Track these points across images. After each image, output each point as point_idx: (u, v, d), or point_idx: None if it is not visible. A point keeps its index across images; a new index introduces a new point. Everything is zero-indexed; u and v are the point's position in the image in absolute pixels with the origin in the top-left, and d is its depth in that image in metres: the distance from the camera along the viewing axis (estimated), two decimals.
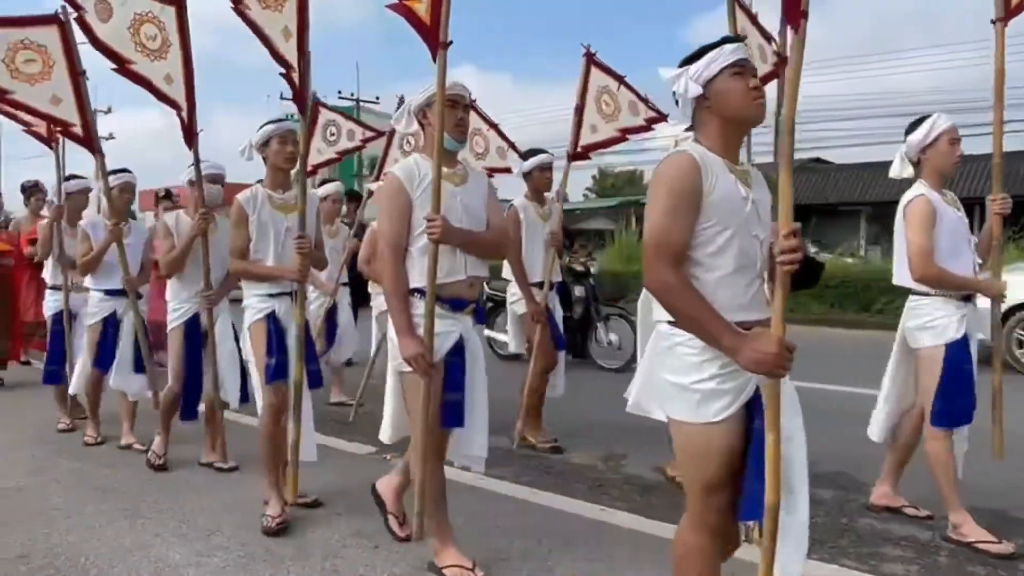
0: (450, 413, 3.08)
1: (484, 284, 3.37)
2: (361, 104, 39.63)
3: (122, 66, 4.20)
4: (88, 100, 4.62)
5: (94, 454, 5.03)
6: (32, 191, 7.73)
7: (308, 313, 5.40)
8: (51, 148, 5.59)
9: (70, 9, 4.30)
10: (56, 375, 5.70)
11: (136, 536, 3.59)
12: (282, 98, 38.62)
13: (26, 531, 3.64)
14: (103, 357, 5.11)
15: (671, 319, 2.19)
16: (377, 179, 6.29)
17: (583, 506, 4.00)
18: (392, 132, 6.10)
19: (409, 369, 2.97)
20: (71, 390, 5.48)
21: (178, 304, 4.56)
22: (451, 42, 3.08)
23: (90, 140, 4.65)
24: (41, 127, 5.39)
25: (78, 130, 4.59)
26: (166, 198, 7.31)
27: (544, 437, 5.16)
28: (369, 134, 6.63)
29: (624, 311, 8.89)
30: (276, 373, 3.76)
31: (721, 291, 2.15)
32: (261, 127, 3.88)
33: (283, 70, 3.85)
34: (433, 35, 3.10)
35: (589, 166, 40.89)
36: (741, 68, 2.21)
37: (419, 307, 3.00)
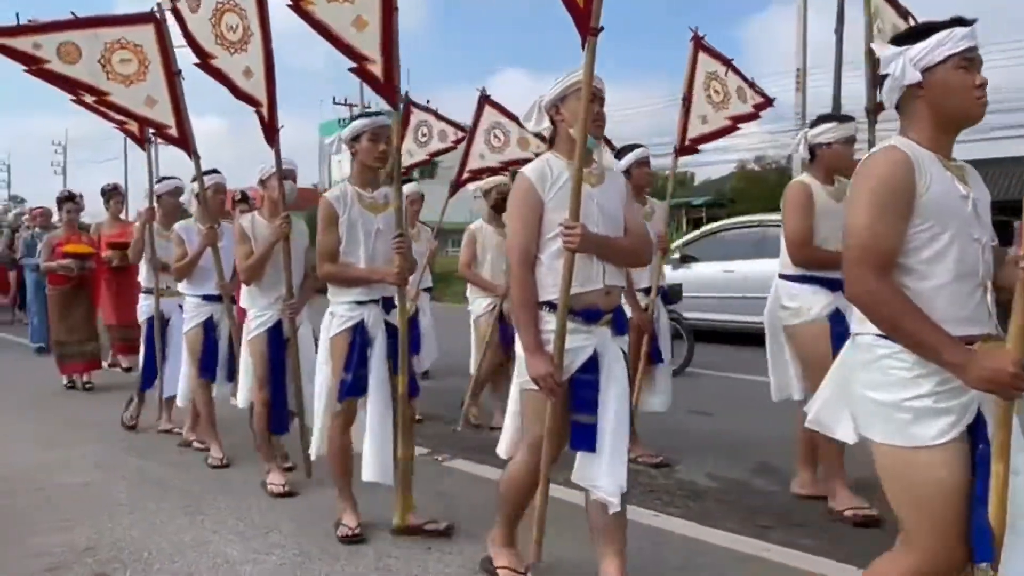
0: (580, 436, 2.78)
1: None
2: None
3: (204, 60, 4.09)
4: (183, 101, 4.49)
5: (157, 452, 5.16)
6: (111, 194, 7.78)
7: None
8: (143, 149, 5.52)
9: (165, 4, 4.29)
10: (151, 380, 5.66)
11: (196, 532, 3.68)
12: (335, 102, 39.56)
13: (92, 525, 3.76)
14: (207, 364, 4.91)
15: (877, 331, 1.96)
16: (459, 180, 6.13)
17: (635, 511, 3.93)
18: (473, 130, 6.01)
19: (535, 388, 2.75)
20: (179, 400, 5.27)
21: (259, 312, 4.33)
22: (602, 28, 2.78)
23: (185, 142, 4.51)
24: (133, 125, 5.28)
25: (173, 132, 4.46)
26: (243, 201, 7.08)
27: (643, 451, 4.91)
28: (461, 134, 6.35)
29: (677, 315, 8.79)
30: (352, 390, 3.55)
31: (938, 301, 1.92)
32: (352, 121, 3.69)
33: (354, 64, 3.51)
34: (585, 20, 2.78)
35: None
36: (970, 60, 1.96)
37: (550, 322, 2.75)
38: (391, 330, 3.62)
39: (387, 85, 3.52)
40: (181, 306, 5.22)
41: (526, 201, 2.80)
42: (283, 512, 3.94)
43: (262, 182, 4.35)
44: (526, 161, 5.65)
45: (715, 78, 4.95)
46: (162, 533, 3.67)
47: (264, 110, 4.17)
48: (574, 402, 2.79)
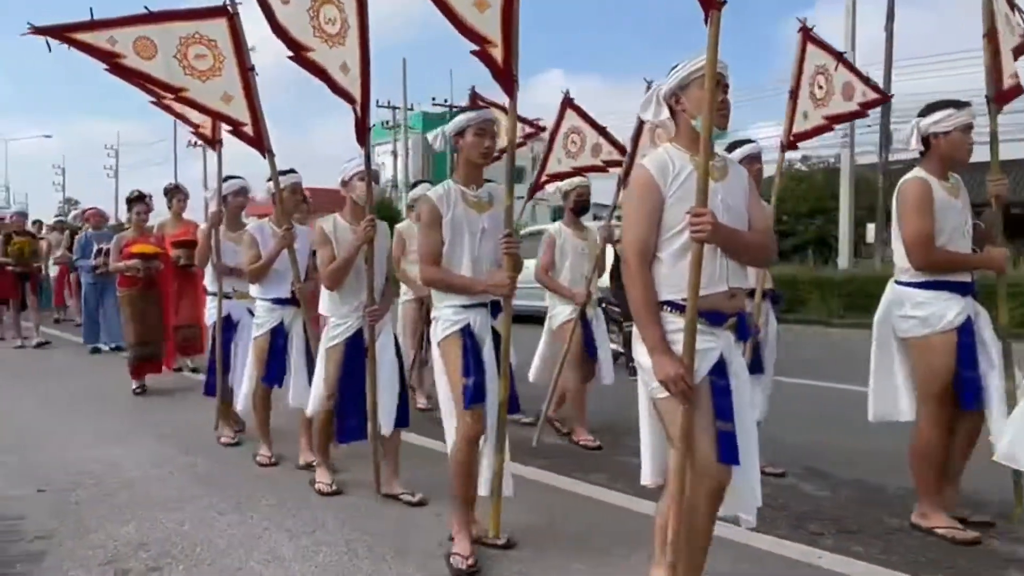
0: (726, 446, 2.53)
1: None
2: (454, 111, 40.16)
3: (298, 53, 3.91)
4: (258, 97, 4.38)
5: (206, 449, 5.26)
6: (173, 193, 7.77)
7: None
8: (213, 150, 5.38)
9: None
10: (215, 386, 5.49)
11: (246, 529, 3.74)
12: (378, 105, 39.98)
13: (146, 520, 3.85)
14: (272, 371, 4.74)
15: None
16: (538, 183, 5.93)
17: None
18: (554, 132, 5.74)
19: (665, 394, 2.55)
20: (237, 407, 5.11)
21: (339, 319, 4.12)
22: (725, 1, 2.52)
23: (260, 140, 4.37)
24: (206, 127, 5.24)
25: (248, 130, 4.33)
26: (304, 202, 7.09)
27: None
28: (530, 129, 6.23)
29: None
30: (475, 396, 3.28)
31: None
32: (457, 114, 3.51)
33: (476, 47, 3.32)
34: None
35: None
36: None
37: (671, 323, 2.57)
38: (497, 336, 3.44)
39: (505, 72, 3.31)
40: (251, 310, 5.11)
41: (646, 194, 2.61)
42: (330, 510, 3.98)
43: (344, 183, 4.15)
44: (594, 168, 5.60)
45: (823, 72, 4.72)
46: (212, 529, 3.74)
47: (358, 107, 4.01)
48: (714, 408, 2.56)
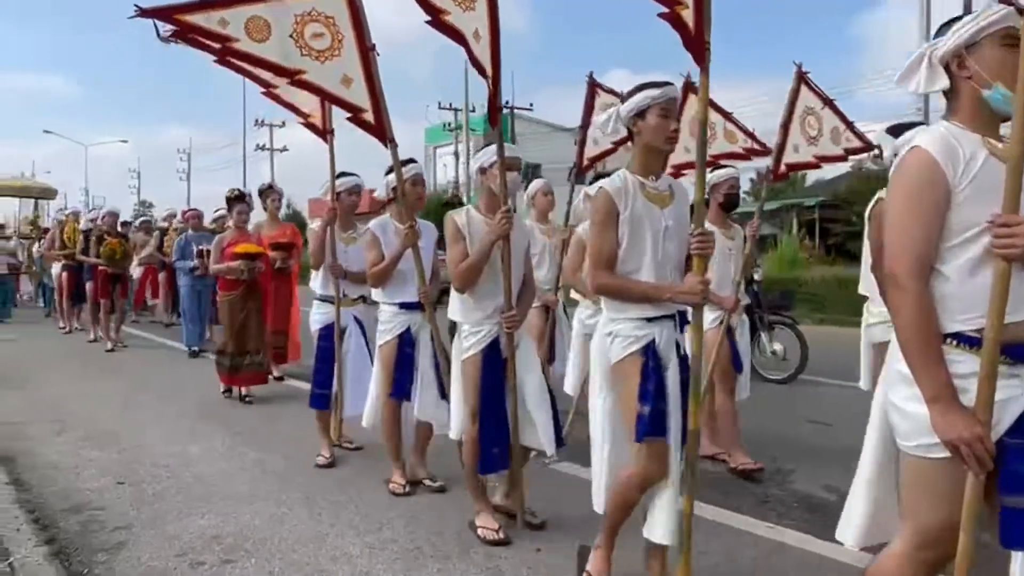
0: (1016, 527, 1.96)
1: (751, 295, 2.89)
2: (515, 111, 40.37)
3: (436, 17, 3.53)
4: (379, 80, 3.93)
5: (275, 447, 5.38)
6: (268, 192, 7.54)
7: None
8: (325, 141, 4.93)
9: None
10: (323, 399, 5.01)
11: (314, 525, 3.82)
12: (440, 107, 40.38)
13: (218, 514, 3.97)
14: (400, 383, 4.25)
15: None
16: (676, 173, 5.19)
17: (748, 521, 3.87)
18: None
19: (942, 454, 1.90)
20: (364, 422, 4.53)
21: (473, 327, 3.59)
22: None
23: (382, 128, 3.93)
24: (316, 117, 4.85)
25: (369, 116, 3.89)
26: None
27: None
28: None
29: (790, 320, 8.51)
30: (653, 426, 2.76)
31: None
32: (635, 92, 2.95)
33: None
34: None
35: (746, 168, 39.40)
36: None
37: (960, 362, 1.93)
38: (684, 354, 2.95)
39: (696, 38, 2.78)
40: (356, 317, 4.99)
41: (928, 188, 1.94)
42: (396, 509, 4.04)
43: (482, 170, 3.68)
44: (732, 156, 5.21)
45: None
46: (282, 524, 3.83)
47: (490, 83, 3.62)
48: (1004, 480, 1.93)
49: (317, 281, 5.10)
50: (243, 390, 6.99)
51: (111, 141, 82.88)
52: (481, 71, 3.61)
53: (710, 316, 4.82)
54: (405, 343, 4.25)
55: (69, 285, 12.07)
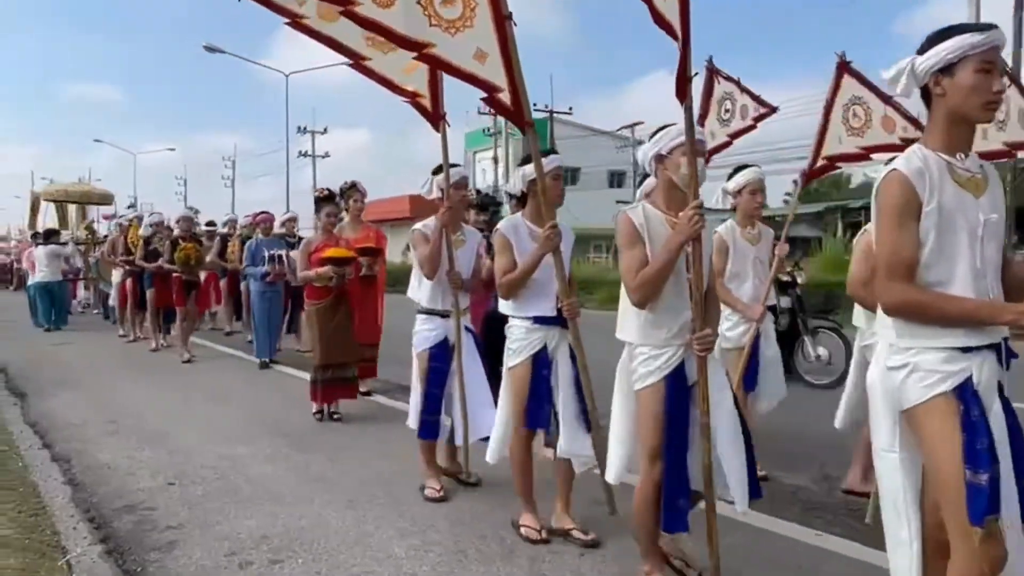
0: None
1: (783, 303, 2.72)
2: (554, 115, 40.40)
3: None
4: (516, 55, 3.33)
5: (318, 448, 5.46)
6: (350, 192, 7.00)
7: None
8: (436, 129, 4.31)
9: None
10: (434, 427, 4.35)
11: (359, 527, 3.87)
12: (480, 112, 40.57)
13: (265, 515, 4.04)
14: (535, 410, 3.62)
15: None
16: (811, 170, 4.91)
17: (795, 528, 3.82)
18: (829, 105, 4.80)
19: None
20: (489, 456, 3.83)
21: (654, 349, 2.93)
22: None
23: (520, 111, 3.36)
24: (425, 98, 4.22)
25: (505, 96, 3.33)
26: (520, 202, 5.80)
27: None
28: (763, 110, 5.23)
29: (834, 323, 8.37)
30: (993, 501, 2.06)
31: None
32: (941, 38, 2.20)
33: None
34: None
35: (790, 170, 38.96)
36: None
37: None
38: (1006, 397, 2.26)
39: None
40: (469, 328, 4.43)
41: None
42: (439, 512, 4.07)
43: (660, 157, 2.99)
44: (891, 147, 4.64)
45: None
46: (328, 525, 3.88)
47: (679, 44, 2.81)
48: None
49: (423, 291, 4.38)
50: (330, 407, 6.41)
51: (159, 149, 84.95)
52: (671, 32, 2.82)
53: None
54: (540, 364, 3.63)
55: (133, 292, 11.79)
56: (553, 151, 3.75)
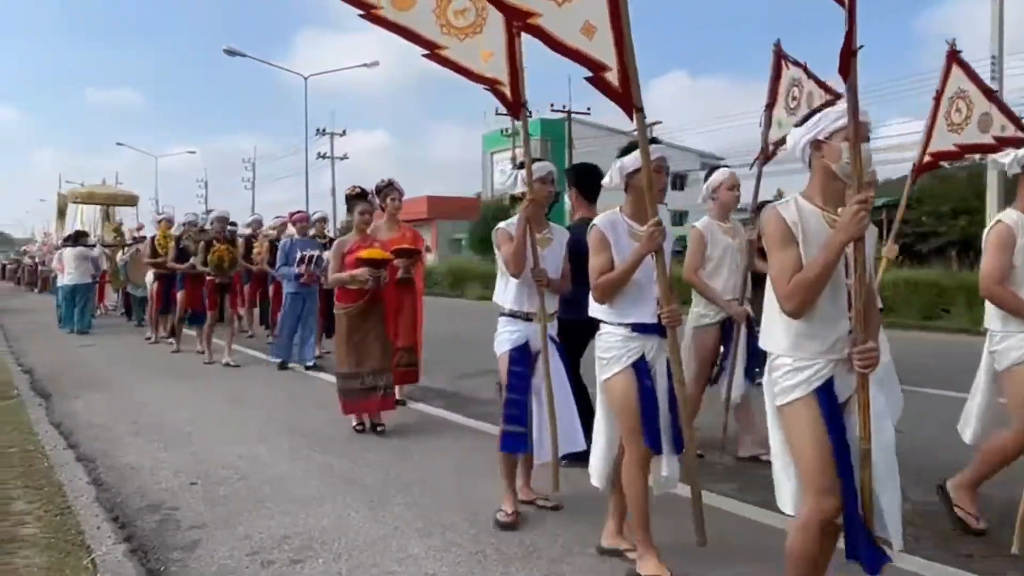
0: None
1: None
2: (572, 115, 40.36)
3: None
4: (629, 30, 2.98)
5: (339, 449, 5.49)
6: (386, 191, 6.68)
7: None
8: (516, 117, 4.04)
9: None
10: (519, 440, 3.95)
11: (380, 527, 3.88)
12: (497, 113, 40.63)
13: (286, 515, 4.07)
14: (650, 429, 3.21)
15: None
16: (920, 165, 4.81)
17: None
18: (937, 98, 4.57)
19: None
20: (596, 480, 3.42)
21: (805, 361, 2.54)
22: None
23: (628, 93, 2.99)
24: (505, 85, 3.85)
25: (612, 77, 2.97)
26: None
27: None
28: (828, 96, 4.85)
29: None
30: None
31: None
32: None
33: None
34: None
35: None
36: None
37: None
38: None
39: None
40: (553, 337, 4.02)
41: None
42: (459, 513, 4.08)
43: (816, 144, 2.61)
44: (984, 148, 4.63)
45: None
46: (349, 526, 3.90)
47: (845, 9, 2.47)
48: None
49: (508, 293, 4.11)
50: (372, 419, 6.03)
51: (180, 152, 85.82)
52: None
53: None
54: (642, 374, 3.25)
55: (159, 294, 11.69)
56: (656, 140, 3.32)
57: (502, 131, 42.08)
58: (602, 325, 3.36)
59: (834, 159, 2.56)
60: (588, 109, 41.55)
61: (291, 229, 10.32)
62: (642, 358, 3.27)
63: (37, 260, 31.44)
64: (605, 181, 3.50)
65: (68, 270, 14.09)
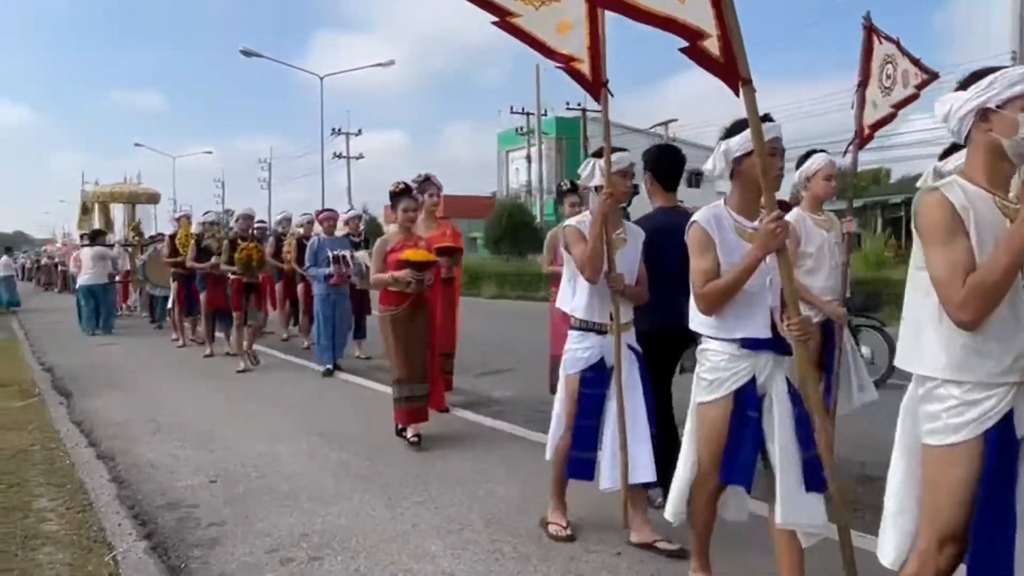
0: None
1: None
2: (587, 113, 40.30)
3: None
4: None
5: (356, 447, 5.51)
6: (424, 185, 6.37)
7: None
8: (595, 96, 3.53)
9: None
10: (587, 467, 3.58)
11: (396, 524, 3.90)
12: (512, 111, 40.66)
13: (304, 512, 4.09)
14: (731, 460, 2.79)
15: None
16: None
17: (833, 528, 3.76)
18: None
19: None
20: (670, 515, 3.02)
21: (975, 391, 2.09)
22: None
23: (733, 63, 2.52)
24: (582, 61, 3.44)
25: (712, 45, 2.54)
26: (572, 191, 5.30)
27: None
28: (925, 76, 4.60)
29: (877, 322, 8.23)
30: None
31: None
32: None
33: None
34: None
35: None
36: None
37: None
38: None
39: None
40: (633, 347, 3.62)
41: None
42: (475, 511, 4.09)
43: (984, 112, 2.13)
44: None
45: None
46: (366, 523, 3.93)
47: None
48: None
49: (578, 300, 3.63)
50: (410, 432, 5.52)
51: (197, 152, 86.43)
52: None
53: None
54: (747, 402, 2.77)
55: (179, 295, 11.39)
56: (768, 118, 2.81)
57: (516, 130, 42.08)
58: (704, 339, 2.88)
59: (1007, 131, 2.08)
60: None
61: (318, 227, 10.06)
62: (751, 383, 2.77)
63: (57, 260, 31.73)
64: (707, 167, 2.93)
65: (85, 270, 13.91)
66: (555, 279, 5.97)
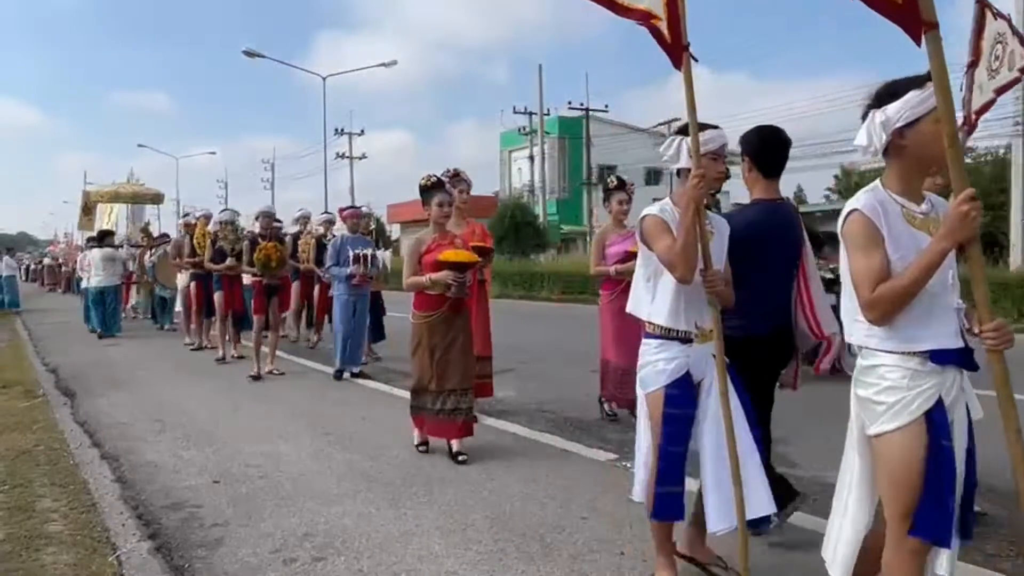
0: None
1: None
2: (590, 113, 40.28)
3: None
4: None
5: (360, 447, 5.51)
6: (454, 181, 6.04)
7: None
8: (676, 64, 2.90)
9: None
10: (674, 503, 2.99)
11: (400, 524, 3.89)
12: (515, 111, 40.65)
13: (308, 512, 4.09)
14: (931, 510, 2.25)
15: None
16: None
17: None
18: None
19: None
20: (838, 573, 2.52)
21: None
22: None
23: (915, 8, 2.13)
24: (661, 19, 2.86)
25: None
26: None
27: None
28: None
29: None
30: None
31: None
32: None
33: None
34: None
35: (831, 164, 38.36)
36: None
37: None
38: None
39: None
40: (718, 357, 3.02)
41: None
42: (478, 511, 4.08)
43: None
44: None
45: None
46: (370, 523, 3.92)
47: None
48: None
49: (658, 305, 3.05)
50: (454, 445, 5.12)
51: (200, 153, 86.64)
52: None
53: None
54: (939, 430, 2.25)
55: (198, 296, 11.06)
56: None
57: (519, 129, 42.05)
58: (868, 353, 2.36)
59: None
60: (606, 107, 41.53)
61: (339, 225, 9.81)
62: (939, 403, 2.26)
63: (60, 261, 31.79)
64: (861, 141, 2.37)
65: (96, 272, 13.70)
66: (605, 281, 5.91)
